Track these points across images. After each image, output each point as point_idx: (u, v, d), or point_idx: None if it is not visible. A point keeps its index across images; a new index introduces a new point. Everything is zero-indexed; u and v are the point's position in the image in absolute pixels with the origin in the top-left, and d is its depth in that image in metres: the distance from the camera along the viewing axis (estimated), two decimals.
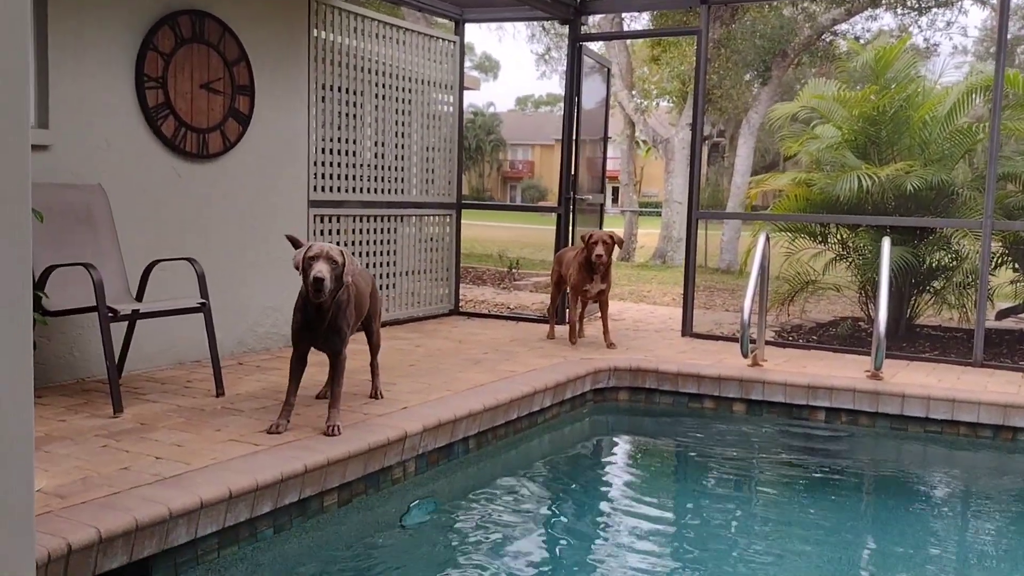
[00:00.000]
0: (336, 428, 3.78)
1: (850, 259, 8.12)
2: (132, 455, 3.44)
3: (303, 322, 3.93)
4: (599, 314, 7.91)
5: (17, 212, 1.08)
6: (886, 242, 5.72)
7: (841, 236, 8.13)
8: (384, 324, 7.07)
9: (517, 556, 3.38)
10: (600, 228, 8.37)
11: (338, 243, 6.62)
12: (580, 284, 6.29)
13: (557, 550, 3.55)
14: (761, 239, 5.80)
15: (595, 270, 6.20)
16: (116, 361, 4.55)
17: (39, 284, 4.20)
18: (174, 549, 2.93)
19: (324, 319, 3.88)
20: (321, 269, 3.66)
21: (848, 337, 7.76)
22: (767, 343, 6.10)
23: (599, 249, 6.06)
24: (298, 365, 4.00)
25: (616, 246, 6.21)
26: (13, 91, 1.05)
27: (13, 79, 1.05)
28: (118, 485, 3.07)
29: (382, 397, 4.48)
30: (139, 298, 4.67)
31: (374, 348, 4.59)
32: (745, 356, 5.46)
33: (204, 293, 4.57)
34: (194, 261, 4.62)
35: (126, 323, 4.67)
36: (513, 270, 13.40)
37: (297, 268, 3.79)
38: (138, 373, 4.98)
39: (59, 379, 4.68)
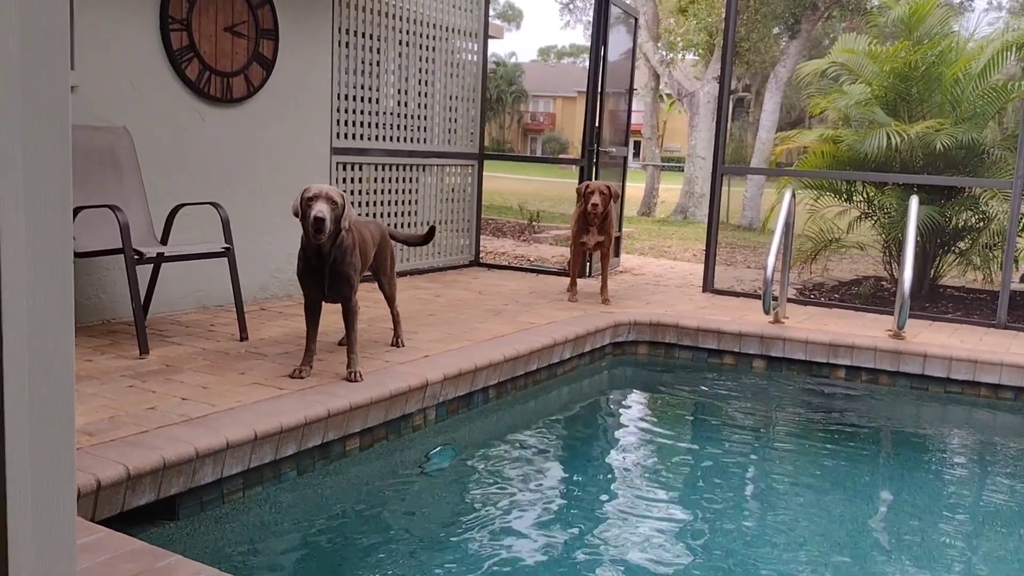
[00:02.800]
0: (357, 374, 3.80)
1: (875, 218, 8.04)
2: (158, 395, 3.49)
3: (306, 268, 3.89)
4: (620, 269, 7.91)
5: (59, 155, 1.08)
6: (914, 200, 5.65)
7: (867, 194, 8.03)
8: (404, 273, 7.11)
9: (533, 504, 3.42)
10: (623, 182, 8.32)
11: (362, 191, 6.63)
12: (578, 236, 6.25)
13: (573, 500, 3.59)
14: (787, 195, 5.74)
15: (591, 222, 6.15)
16: (142, 303, 4.60)
17: None
18: (200, 488, 2.99)
19: (326, 264, 3.82)
20: (321, 209, 3.60)
21: (870, 296, 7.72)
22: (788, 300, 6.07)
23: (595, 199, 5.99)
24: (311, 314, 3.98)
25: (613, 199, 6.15)
26: (55, 35, 1.04)
27: (55, 22, 1.05)
28: (145, 424, 3.12)
29: (403, 346, 4.50)
30: (164, 242, 4.70)
31: (389, 299, 4.56)
32: (767, 313, 5.44)
33: (228, 238, 4.59)
34: (218, 206, 4.63)
35: (151, 266, 4.72)
36: (533, 223, 13.37)
37: (296, 214, 3.73)
38: (163, 316, 5.03)
39: (86, 320, 4.74)
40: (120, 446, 2.89)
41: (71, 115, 1.10)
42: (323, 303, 4.02)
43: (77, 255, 4.25)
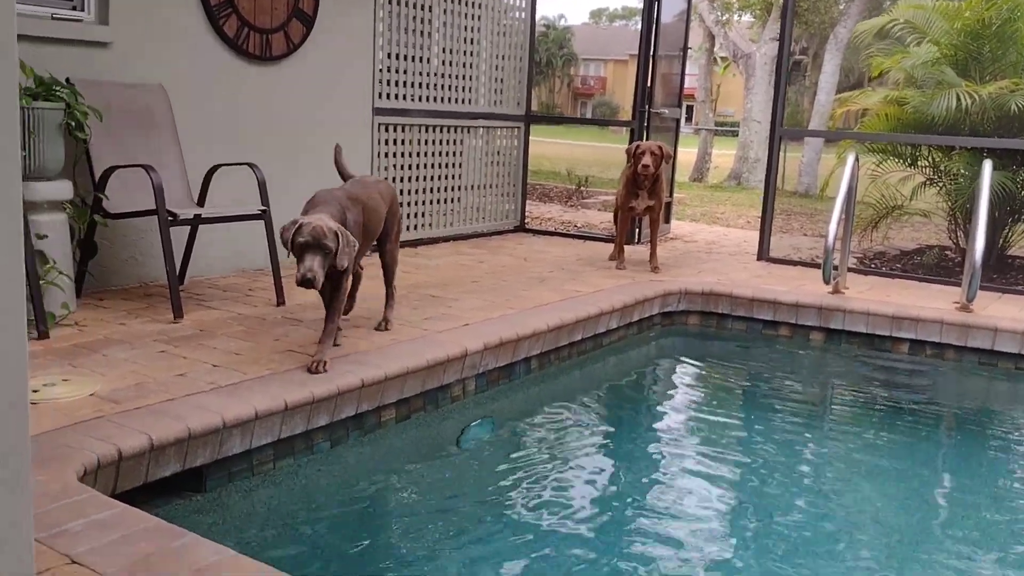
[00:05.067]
0: (320, 364, 3.31)
1: (941, 184, 7.65)
2: (189, 361, 3.38)
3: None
4: (671, 236, 7.68)
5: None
6: (987, 165, 5.30)
7: (933, 159, 7.64)
8: (447, 239, 6.95)
9: (575, 480, 3.26)
10: (675, 146, 8.03)
11: (403, 154, 6.45)
12: (627, 200, 5.98)
13: (616, 475, 3.41)
14: (850, 159, 5.42)
15: (641, 185, 5.87)
16: (178, 267, 4.51)
17: (99, 185, 4.14)
18: (228, 459, 2.87)
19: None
20: (311, 265, 3.19)
21: (934, 266, 7.37)
22: (849, 270, 5.77)
23: (646, 159, 5.70)
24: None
25: (665, 160, 5.86)
26: None
27: None
28: (173, 391, 3.01)
29: (389, 329, 3.98)
30: (200, 203, 4.59)
31: (387, 270, 4.07)
32: (827, 282, 5.16)
33: (265, 199, 4.46)
34: (255, 166, 4.50)
35: (188, 228, 4.62)
36: (581, 188, 13.10)
37: (285, 246, 3.30)
38: (200, 279, 4.94)
39: (122, 283, 4.67)
40: (145, 415, 2.78)
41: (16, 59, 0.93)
42: None
43: (111, 215, 4.16)
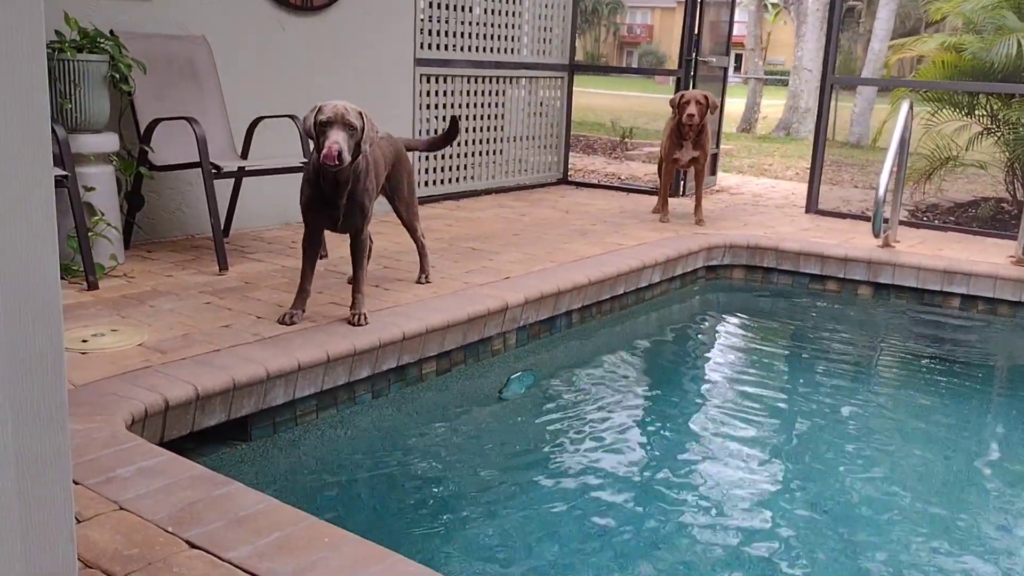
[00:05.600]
0: (361, 316, 3.31)
1: (999, 133, 7.40)
2: (234, 313, 3.42)
3: (315, 197, 3.31)
4: (717, 188, 7.58)
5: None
6: None
7: (991, 108, 7.38)
8: (490, 191, 6.91)
9: (616, 435, 3.25)
10: (723, 95, 7.85)
11: (445, 105, 6.40)
12: (671, 152, 5.85)
13: (656, 432, 3.40)
14: (904, 107, 5.24)
15: (685, 136, 5.75)
16: (223, 219, 4.55)
17: (145, 138, 4.17)
18: (272, 409, 2.92)
19: (341, 193, 3.27)
20: (337, 139, 3.03)
21: (990, 219, 7.15)
22: (900, 223, 5.63)
23: (691, 109, 5.57)
24: (311, 249, 3.42)
25: (710, 110, 5.72)
26: None
27: None
28: (218, 343, 3.06)
29: (429, 282, 3.99)
30: (244, 156, 4.61)
31: (408, 227, 3.98)
32: (877, 236, 5.04)
33: (306, 151, 4.46)
34: (297, 118, 4.49)
35: (232, 181, 4.64)
36: (626, 139, 12.92)
37: (308, 134, 3.18)
38: (246, 231, 4.98)
39: (169, 235, 4.73)
40: (191, 365, 2.82)
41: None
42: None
43: (156, 168, 4.20)
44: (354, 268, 3.44)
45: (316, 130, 3.11)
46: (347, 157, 3.07)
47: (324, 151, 3.03)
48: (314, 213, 3.36)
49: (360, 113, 3.16)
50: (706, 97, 5.68)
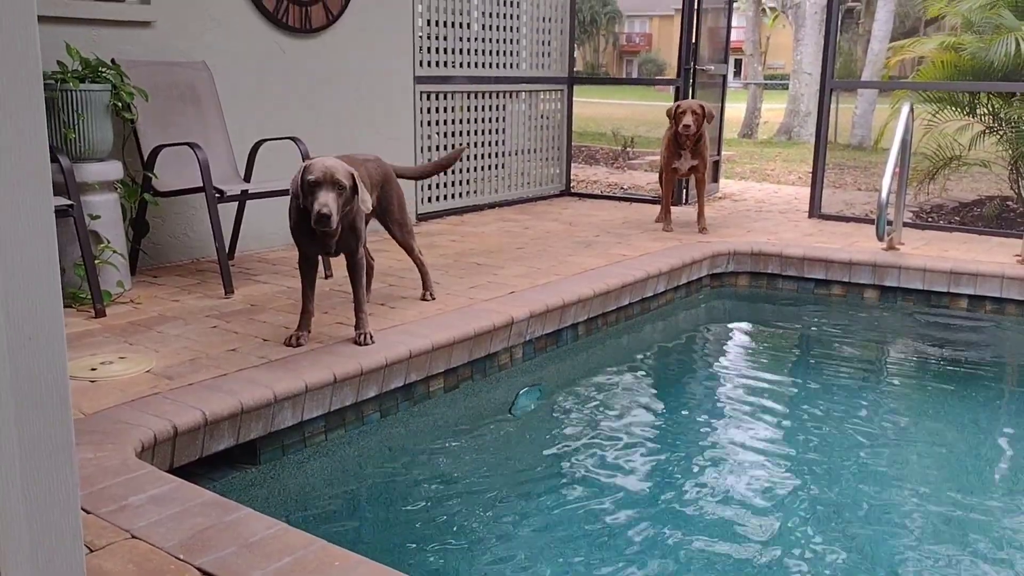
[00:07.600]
0: (366, 336, 3.32)
1: (1001, 132, 7.39)
2: (240, 336, 3.44)
3: (301, 223, 3.26)
4: (719, 195, 7.59)
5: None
6: None
7: (992, 107, 7.38)
8: (492, 206, 6.93)
9: (626, 448, 3.25)
10: (723, 102, 7.87)
11: (446, 122, 6.43)
12: (670, 161, 5.88)
13: (666, 441, 3.39)
14: (905, 108, 5.25)
15: (683, 145, 5.77)
16: (227, 242, 4.57)
17: (148, 164, 4.20)
18: (280, 431, 2.92)
19: (330, 233, 3.26)
20: (326, 202, 3.02)
21: (994, 218, 7.14)
22: (904, 225, 5.62)
23: (687, 119, 5.59)
24: (308, 269, 3.40)
25: (707, 119, 5.74)
26: None
27: None
28: (225, 367, 3.07)
29: (433, 299, 4.01)
30: (247, 178, 4.63)
31: (404, 247, 3.99)
32: (881, 239, 5.03)
33: None
34: (298, 140, 4.52)
35: (236, 204, 4.67)
36: (627, 149, 12.95)
37: (296, 196, 3.17)
38: (250, 254, 5.00)
39: (175, 259, 4.75)
40: (198, 390, 2.84)
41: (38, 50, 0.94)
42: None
43: (160, 194, 4.23)
44: (353, 289, 3.45)
45: (304, 190, 3.11)
46: (336, 220, 3.10)
47: (314, 216, 3.05)
48: (302, 237, 3.33)
49: (349, 173, 3.16)
50: (702, 107, 5.70)
